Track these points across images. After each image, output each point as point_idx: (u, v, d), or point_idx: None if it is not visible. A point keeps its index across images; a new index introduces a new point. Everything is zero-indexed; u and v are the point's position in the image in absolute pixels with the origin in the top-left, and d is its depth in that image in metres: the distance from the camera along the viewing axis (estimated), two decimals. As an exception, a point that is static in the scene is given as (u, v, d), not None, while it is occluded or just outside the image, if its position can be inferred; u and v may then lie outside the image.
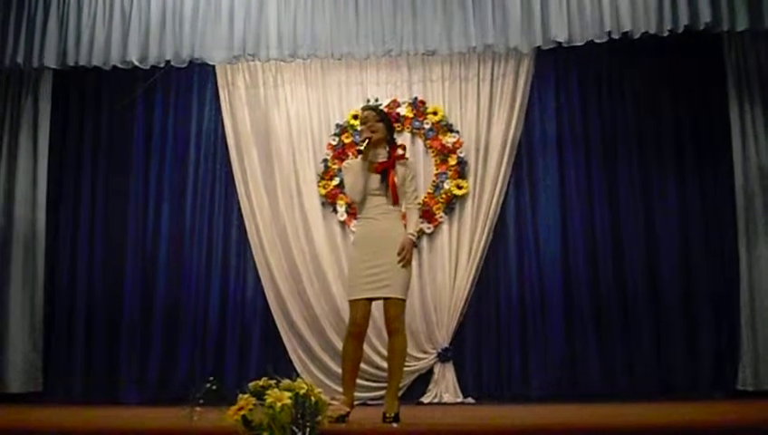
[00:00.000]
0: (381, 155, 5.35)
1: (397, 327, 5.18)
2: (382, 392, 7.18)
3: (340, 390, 6.99)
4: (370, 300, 5.23)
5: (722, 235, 7.28)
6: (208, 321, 7.64)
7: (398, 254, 5.19)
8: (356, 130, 7.62)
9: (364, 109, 5.61)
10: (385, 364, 7.18)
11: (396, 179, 5.27)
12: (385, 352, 7.21)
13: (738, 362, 6.89)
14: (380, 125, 5.33)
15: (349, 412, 5.09)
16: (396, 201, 5.27)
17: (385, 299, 5.19)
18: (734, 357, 6.96)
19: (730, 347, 7.04)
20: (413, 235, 5.28)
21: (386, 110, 7.54)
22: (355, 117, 7.66)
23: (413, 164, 5.69)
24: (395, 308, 5.16)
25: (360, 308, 5.19)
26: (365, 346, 7.09)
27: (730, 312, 7.08)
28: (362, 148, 5.29)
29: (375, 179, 5.26)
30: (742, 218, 6.98)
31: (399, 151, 5.47)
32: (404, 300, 5.21)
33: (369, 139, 5.27)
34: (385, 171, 5.29)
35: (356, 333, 5.23)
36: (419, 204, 5.54)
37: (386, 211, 5.27)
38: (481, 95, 7.65)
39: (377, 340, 7.29)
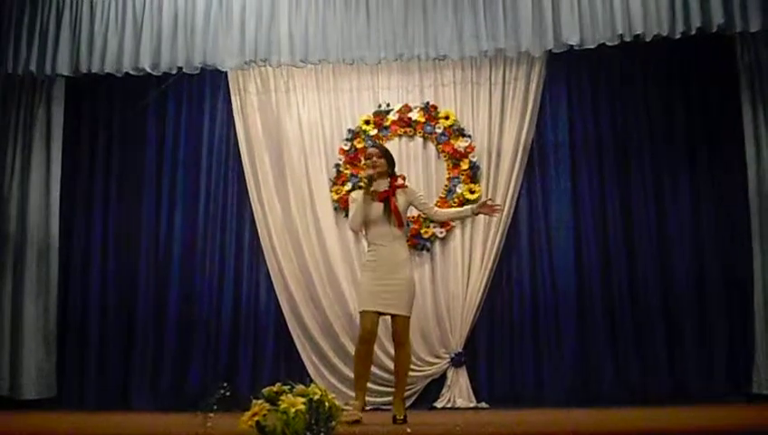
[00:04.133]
0: (383, 185, 5.76)
1: (403, 341, 5.67)
2: (395, 397, 7.24)
3: (354, 395, 7.04)
4: (379, 313, 5.64)
5: (735, 238, 7.23)
6: (221, 326, 7.65)
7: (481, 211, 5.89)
8: (368, 135, 7.64)
9: (370, 146, 6.19)
10: (398, 370, 7.24)
11: (398, 204, 5.71)
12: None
13: (753, 366, 6.84)
14: (382, 161, 5.79)
15: (361, 418, 5.21)
16: (400, 224, 5.70)
17: (393, 315, 5.65)
18: (748, 361, 6.91)
19: (745, 351, 7.00)
20: (470, 208, 5.96)
21: (397, 115, 7.60)
22: (367, 122, 7.68)
23: (413, 190, 5.99)
24: (402, 324, 5.64)
25: (370, 318, 5.60)
26: (379, 352, 7.17)
27: (744, 315, 7.04)
28: (363, 184, 5.74)
29: (378, 208, 5.71)
30: (756, 221, 6.94)
31: (399, 181, 5.89)
32: (409, 317, 5.68)
33: (371, 176, 5.71)
34: (387, 199, 5.71)
35: (367, 339, 5.63)
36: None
37: (391, 237, 5.69)
38: (493, 99, 7.64)
39: (390, 346, 7.28)
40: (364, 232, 5.90)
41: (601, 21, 6.53)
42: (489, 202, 5.93)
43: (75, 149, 8.00)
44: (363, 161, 6.00)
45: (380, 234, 5.69)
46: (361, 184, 5.75)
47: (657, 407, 6.48)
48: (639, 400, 6.86)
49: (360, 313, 5.68)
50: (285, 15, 6.88)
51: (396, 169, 5.93)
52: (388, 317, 5.69)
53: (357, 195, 5.83)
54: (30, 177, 7.56)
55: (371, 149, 5.92)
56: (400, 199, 5.75)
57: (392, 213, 5.67)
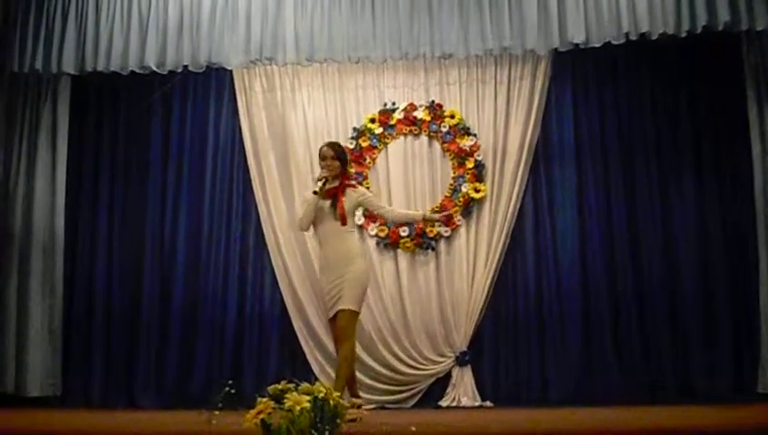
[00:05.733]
0: (333, 183, 5.84)
1: (345, 337, 5.65)
2: (400, 396, 7.24)
3: (359, 393, 7.03)
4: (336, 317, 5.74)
5: (741, 238, 7.20)
6: (226, 324, 7.65)
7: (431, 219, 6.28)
8: (374, 133, 7.64)
9: (324, 145, 6.06)
10: (403, 368, 7.25)
11: (345, 202, 5.78)
12: (403, 356, 7.26)
13: (758, 366, 6.81)
14: (337, 163, 5.84)
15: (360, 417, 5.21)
16: (343, 221, 5.74)
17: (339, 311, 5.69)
18: (754, 361, 6.88)
19: (750, 351, 6.97)
20: (422, 213, 6.33)
21: (403, 114, 7.60)
22: (372, 121, 7.68)
23: (362, 190, 6.16)
24: (344, 318, 5.63)
25: (331, 325, 5.89)
26: (383, 350, 7.20)
27: (750, 315, 7.01)
28: (317, 189, 5.75)
29: (324, 206, 5.78)
30: (761, 220, 6.90)
31: (351, 181, 6.03)
32: (355, 312, 5.71)
33: (326, 179, 5.77)
34: (335, 196, 5.79)
35: (335, 343, 5.93)
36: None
37: (337, 233, 5.77)
38: (498, 98, 7.63)
39: (395, 344, 7.30)
40: (313, 232, 5.99)
41: (607, 19, 6.52)
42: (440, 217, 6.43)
43: (81, 147, 8.01)
44: (319, 161, 5.97)
45: (328, 231, 5.78)
46: (315, 190, 5.77)
47: (663, 406, 6.47)
48: (645, 399, 6.84)
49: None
50: (291, 14, 6.87)
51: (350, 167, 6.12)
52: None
53: (306, 198, 5.93)
54: (35, 175, 7.56)
55: (326, 150, 5.91)
56: (350, 197, 5.82)
57: (337, 210, 5.73)
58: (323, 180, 5.76)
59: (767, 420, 5.25)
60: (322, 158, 5.87)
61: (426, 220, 6.38)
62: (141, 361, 7.65)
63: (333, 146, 6.02)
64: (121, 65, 7.04)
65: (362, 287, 5.77)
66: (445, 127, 7.62)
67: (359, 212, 7.51)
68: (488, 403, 7.17)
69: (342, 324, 5.59)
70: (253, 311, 7.69)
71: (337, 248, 5.74)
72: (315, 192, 5.74)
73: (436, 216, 6.41)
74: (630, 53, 7.24)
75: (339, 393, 5.08)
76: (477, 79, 7.70)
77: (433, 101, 7.70)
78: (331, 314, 5.76)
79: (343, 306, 5.60)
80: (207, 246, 7.82)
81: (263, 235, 7.74)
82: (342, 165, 5.89)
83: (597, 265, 7.37)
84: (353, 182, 6.03)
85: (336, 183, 5.83)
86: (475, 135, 7.60)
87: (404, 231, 7.43)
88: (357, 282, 5.69)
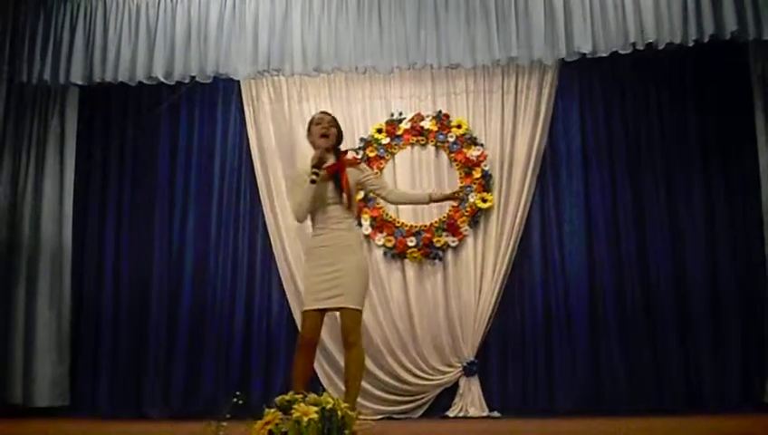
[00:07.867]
0: (330, 160, 5.12)
1: (354, 340, 4.91)
2: (407, 406, 7.21)
3: (365, 403, 7.00)
4: (323, 312, 5.01)
5: (749, 246, 7.18)
6: (234, 335, 7.65)
7: (447, 199, 5.43)
8: (381, 144, 7.64)
9: (320, 112, 5.38)
10: (410, 378, 7.22)
11: (350, 181, 5.06)
12: (411, 367, 7.24)
13: (766, 375, 6.80)
14: (334, 130, 5.16)
15: None
16: (350, 204, 5.04)
17: (340, 310, 4.97)
18: (762, 370, 6.87)
19: (758, 360, 6.95)
20: (428, 194, 5.50)
21: (410, 124, 7.60)
22: (379, 131, 7.68)
23: (365, 166, 5.51)
24: (351, 319, 4.92)
25: (310, 319, 4.96)
26: (390, 359, 7.19)
27: (758, 324, 7.00)
28: (315, 178, 4.94)
29: (324, 186, 5.01)
30: (770, 232, 6.91)
31: (351, 154, 5.34)
32: (360, 311, 4.96)
33: (324, 155, 5.02)
34: (336, 175, 5.06)
35: (305, 343, 4.97)
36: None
37: (340, 220, 5.01)
38: (505, 108, 7.62)
39: (402, 354, 7.28)
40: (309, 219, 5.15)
41: (614, 29, 6.51)
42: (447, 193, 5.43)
43: (89, 157, 8.02)
44: (312, 127, 5.20)
45: (328, 216, 5.01)
46: (314, 178, 4.94)
47: (670, 416, 6.46)
48: (653, 409, 6.83)
49: (302, 313, 5.07)
50: (298, 25, 6.89)
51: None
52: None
53: (297, 176, 5.19)
54: (43, 185, 7.57)
55: (323, 115, 5.22)
56: (353, 175, 5.11)
57: (343, 191, 4.99)
58: (321, 156, 4.98)
59: (776, 430, 5.24)
60: (318, 122, 5.15)
61: (432, 202, 5.38)
62: (149, 371, 7.64)
63: (328, 114, 5.32)
64: (129, 76, 7.06)
65: (366, 283, 5.05)
66: (452, 137, 7.63)
67: (366, 222, 7.52)
68: (496, 414, 7.14)
69: (350, 325, 4.89)
70: (260, 321, 7.68)
71: (337, 237, 4.98)
72: (313, 181, 4.94)
73: (444, 195, 5.41)
74: (637, 63, 7.22)
75: (350, 404, 4.83)
76: (484, 89, 7.70)
77: (440, 111, 7.71)
78: (321, 306, 4.95)
79: (349, 305, 4.89)
80: (215, 256, 7.83)
81: (270, 245, 7.75)
82: (339, 135, 5.22)
83: (604, 275, 7.35)
84: (355, 156, 5.30)
85: (333, 160, 5.13)
86: (481, 145, 7.60)
87: (411, 241, 7.43)
88: (360, 278, 4.97)
